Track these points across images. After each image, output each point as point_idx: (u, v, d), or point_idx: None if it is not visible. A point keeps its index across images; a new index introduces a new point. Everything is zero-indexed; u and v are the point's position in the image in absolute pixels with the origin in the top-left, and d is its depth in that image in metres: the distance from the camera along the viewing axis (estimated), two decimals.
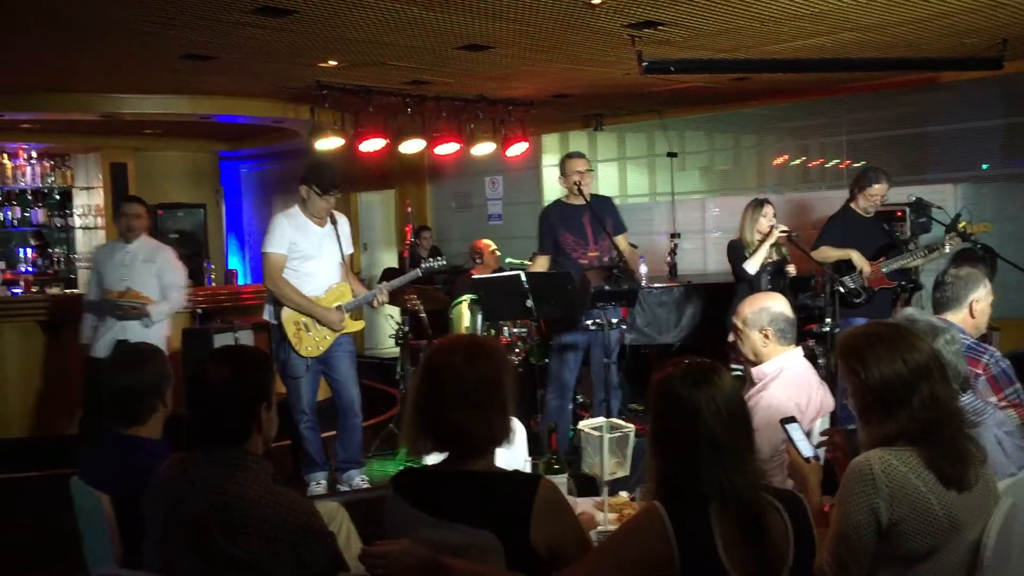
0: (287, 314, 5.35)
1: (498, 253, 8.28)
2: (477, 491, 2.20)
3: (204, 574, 2.31)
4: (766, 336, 3.47)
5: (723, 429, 2.07)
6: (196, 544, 2.31)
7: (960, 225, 6.08)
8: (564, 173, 5.92)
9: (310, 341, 5.39)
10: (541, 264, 5.95)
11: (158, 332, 5.81)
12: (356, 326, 5.64)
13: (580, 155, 6.02)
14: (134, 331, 5.76)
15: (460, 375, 2.22)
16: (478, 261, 8.03)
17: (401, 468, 2.34)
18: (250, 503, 2.30)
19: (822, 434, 2.81)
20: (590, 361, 5.90)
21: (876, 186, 6.15)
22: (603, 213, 5.90)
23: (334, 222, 5.53)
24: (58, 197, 10.50)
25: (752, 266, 6.06)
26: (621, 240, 5.96)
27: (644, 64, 6.00)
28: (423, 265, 5.94)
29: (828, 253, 6.09)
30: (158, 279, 5.95)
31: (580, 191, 5.74)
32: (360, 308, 5.64)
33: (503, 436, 2.27)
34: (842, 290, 5.93)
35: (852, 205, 6.27)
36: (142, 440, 2.95)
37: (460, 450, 2.25)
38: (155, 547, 2.46)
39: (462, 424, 2.21)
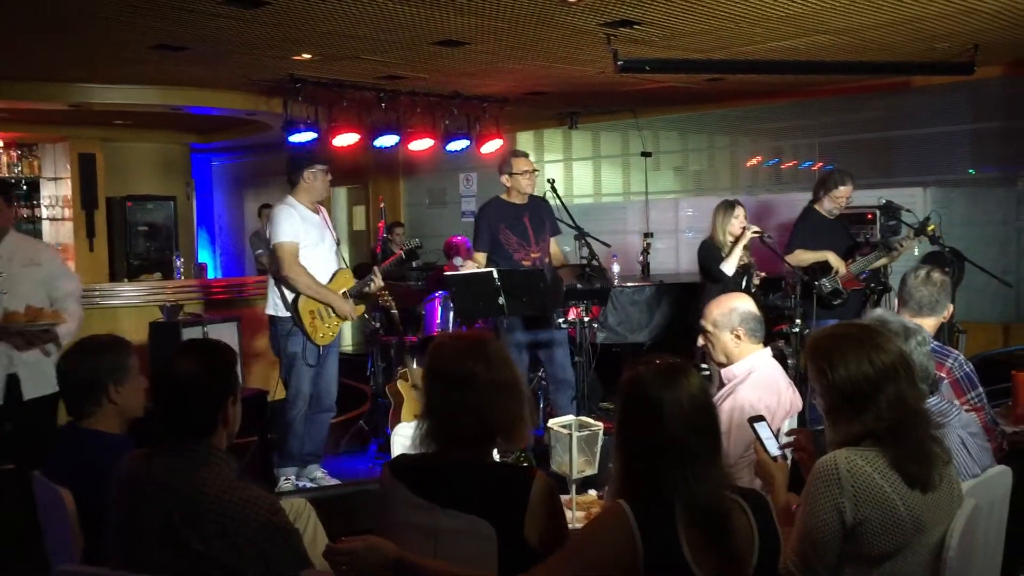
0: (304, 303, 5.36)
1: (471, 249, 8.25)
2: (474, 479, 2.23)
3: (168, 569, 2.28)
4: (737, 336, 3.48)
5: (687, 432, 2.06)
6: (160, 539, 2.29)
7: (929, 228, 6.14)
8: (509, 171, 5.90)
9: (324, 330, 5.43)
10: (479, 261, 5.85)
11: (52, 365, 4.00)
12: (359, 310, 5.68)
13: (525, 154, 6.05)
14: (28, 368, 4.43)
15: (483, 383, 2.25)
16: (456, 261, 8.00)
17: (400, 454, 2.41)
18: (213, 499, 2.28)
19: (788, 433, 2.83)
20: (551, 360, 5.90)
21: (842, 188, 6.20)
22: (543, 214, 5.93)
23: (318, 210, 5.57)
24: (25, 188, 10.34)
25: (729, 267, 6.08)
26: (553, 242, 6.02)
27: (619, 63, 6.00)
28: (405, 247, 5.96)
29: (804, 256, 6.10)
30: (45, 288, 4.56)
31: (522, 191, 5.77)
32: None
33: (507, 434, 2.32)
34: (824, 290, 5.95)
35: (816, 207, 6.29)
36: (100, 434, 2.90)
37: (461, 442, 2.28)
38: (117, 542, 2.43)
39: (486, 428, 2.27)
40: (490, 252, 5.86)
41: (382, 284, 5.75)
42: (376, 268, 5.74)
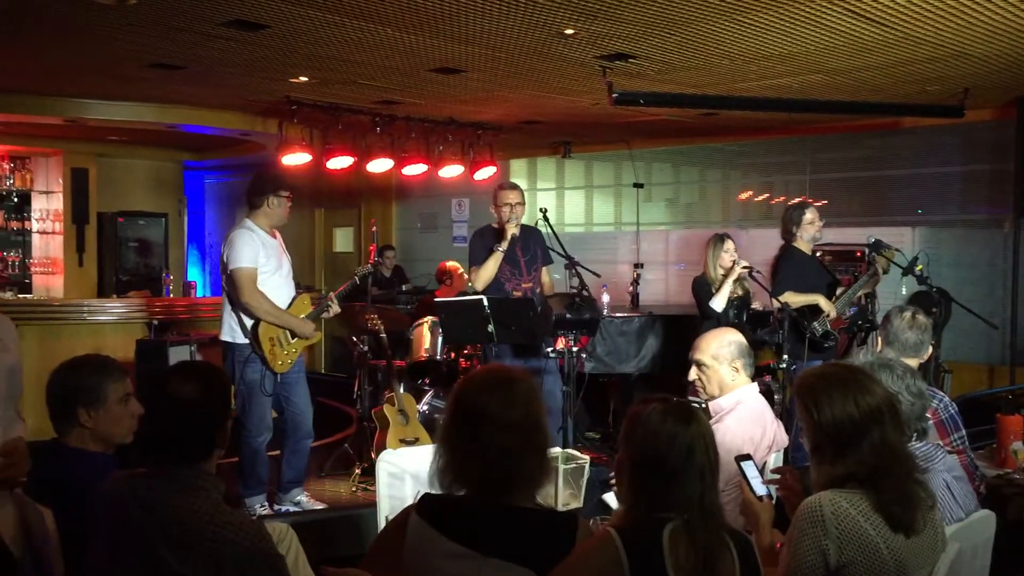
0: (264, 329, 5.26)
1: (465, 276, 8.27)
2: (517, 526, 2.13)
3: None
4: (735, 369, 3.51)
5: (710, 462, 2.13)
6: (142, 562, 2.28)
7: (917, 268, 6.17)
8: (495, 203, 5.94)
9: (282, 356, 5.33)
10: (489, 271, 5.82)
11: None
12: (316, 337, 5.62)
13: (514, 186, 6.07)
14: None
15: (503, 418, 2.15)
16: (447, 283, 8.02)
17: (427, 495, 2.22)
18: (200, 522, 2.27)
19: (773, 471, 2.83)
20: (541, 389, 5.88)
21: (807, 213, 6.19)
22: (533, 243, 5.97)
23: (274, 234, 5.50)
24: (16, 200, 10.31)
25: (718, 303, 6.09)
26: (544, 273, 6.04)
27: (614, 95, 6.04)
28: (357, 272, 5.92)
29: (793, 299, 5.96)
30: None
31: (506, 225, 5.76)
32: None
33: (543, 476, 2.21)
34: (816, 334, 5.95)
35: (795, 244, 6.25)
36: (80, 452, 2.86)
37: (498, 487, 2.17)
38: (99, 563, 2.41)
39: (506, 466, 2.14)
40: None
41: (339, 310, 5.68)
42: (332, 294, 5.69)
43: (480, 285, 5.86)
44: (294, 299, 5.47)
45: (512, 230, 5.80)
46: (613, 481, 2.50)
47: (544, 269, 6.06)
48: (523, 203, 6.00)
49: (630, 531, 2.07)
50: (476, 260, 5.93)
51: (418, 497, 2.27)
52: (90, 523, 2.44)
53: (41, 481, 2.81)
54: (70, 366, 2.92)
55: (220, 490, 2.41)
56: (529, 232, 6.03)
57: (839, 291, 6.24)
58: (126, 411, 2.87)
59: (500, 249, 5.78)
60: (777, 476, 2.76)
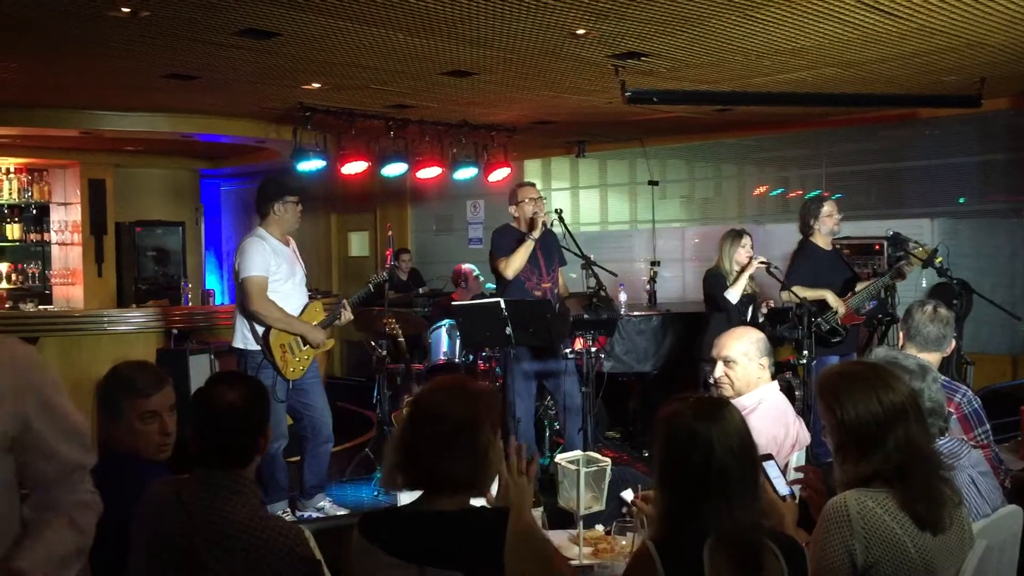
0: (275, 337, 5.28)
1: (481, 279, 8.28)
2: (447, 532, 2.16)
3: None
4: (762, 367, 3.51)
5: (734, 464, 2.06)
6: (183, 565, 2.31)
7: (936, 260, 6.13)
8: (515, 201, 5.94)
9: (294, 363, 5.35)
10: (520, 259, 5.78)
11: None
12: (329, 343, 5.63)
13: (529, 184, 6.14)
14: None
15: (440, 416, 2.20)
16: (462, 286, 8.02)
17: (367, 511, 2.29)
18: (241, 527, 2.31)
19: (796, 470, 2.82)
20: (559, 389, 5.88)
21: (825, 206, 6.18)
22: (552, 246, 5.99)
23: (287, 242, 5.51)
24: (34, 212, 10.40)
25: (734, 295, 6.09)
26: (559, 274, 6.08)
27: (627, 94, 6.03)
28: (371, 279, 5.93)
29: (802, 293, 6.00)
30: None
31: (535, 216, 5.78)
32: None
33: (480, 482, 2.23)
34: (823, 329, 5.93)
35: (812, 239, 6.24)
36: (113, 454, 2.86)
37: (434, 489, 2.22)
38: (139, 564, 2.44)
39: (438, 465, 2.18)
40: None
41: (352, 316, 5.69)
42: (345, 300, 5.71)
43: (511, 273, 5.82)
44: (306, 306, 5.48)
45: (544, 218, 5.80)
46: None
47: (559, 271, 6.09)
48: (543, 198, 6.04)
49: (669, 547, 2.03)
50: (504, 250, 5.86)
51: None
52: (133, 527, 2.46)
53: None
54: (111, 371, 2.94)
55: (258, 495, 2.45)
56: (547, 234, 6.04)
57: (858, 286, 6.20)
58: (149, 429, 2.83)
59: (532, 238, 5.77)
60: (799, 476, 2.74)
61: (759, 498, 2.12)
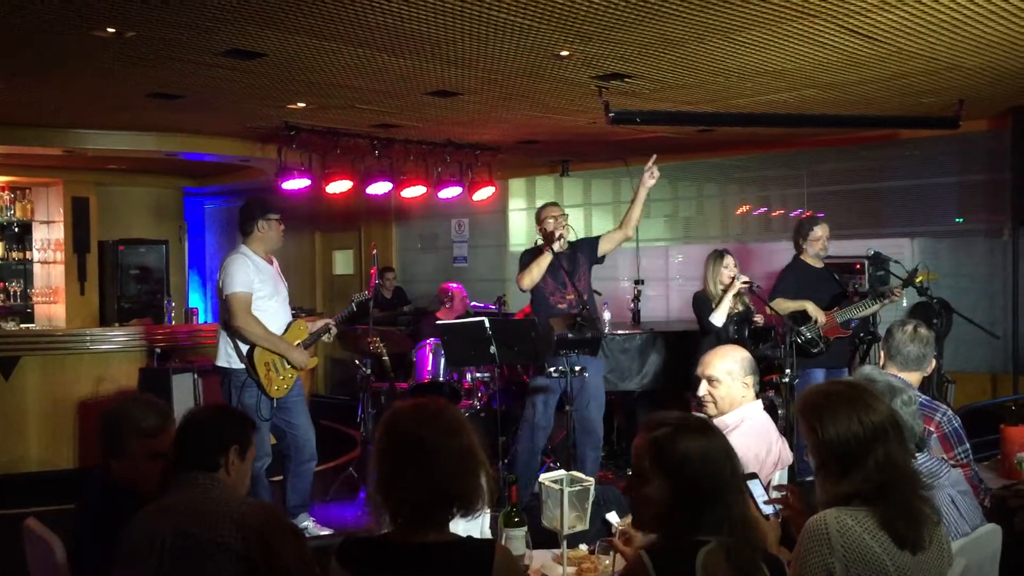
0: (259, 355, 5.28)
1: (467, 299, 8.30)
2: (431, 563, 2.11)
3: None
4: (746, 385, 3.52)
5: (738, 474, 2.14)
6: (175, 551, 2.42)
7: (917, 279, 6.20)
8: (539, 220, 6.03)
9: (279, 381, 5.35)
10: (536, 272, 5.90)
11: None
12: (313, 362, 5.63)
13: (552, 204, 6.24)
14: None
15: (432, 450, 2.13)
16: (447, 304, 8.03)
17: (345, 538, 2.23)
18: (218, 504, 2.50)
19: (775, 489, 2.84)
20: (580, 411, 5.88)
21: (816, 229, 6.38)
22: (576, 253, 6.08)
23: (271, 260, 5.53)
24: (16, 230, 10.35)
25: (718, 318, 6.13)
26: (604, 241, 6.22)
27: (611, 114, 6.08)
28: (354, 298, 5.95)
29: (783, 305, 6.19)
30: None
31: (554, 239, 5.84)
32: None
33: (476, 504, 2.19)
34: (800, 340, 6.01)
35: (802, 257, 6.41)
36: (103, 483, 3.00)
37: (413, 521, 2.15)
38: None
39: (435, 498, 2.13)
40: (533, 292, 6.04)
41: (336, 330, 5.73)
42: (331, 320, 5.73)
43: (525, 284, 5.97)
44: (290, 324, 5.48)
45: (562, 231, 5.89)
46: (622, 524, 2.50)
47: (603, 237, 6.23)
48: (565, 214, 6.12)
49: (663, 554, 2.05)
50: (524, 266, 6.02)
51: None
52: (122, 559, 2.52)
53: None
54: (119, 408, 3.01)
55: (226, 490, 2.62)
56: (573, 249, 6.15)
57: (843, 303, 6.28)
58: (153, 468, 2.85)
59: (549, 250, 5.84)
60: (779, 495, 2.76)
61: (750, 512, 2.17)
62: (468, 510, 2.18)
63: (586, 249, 6.18)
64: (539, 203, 10.70)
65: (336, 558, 2.17)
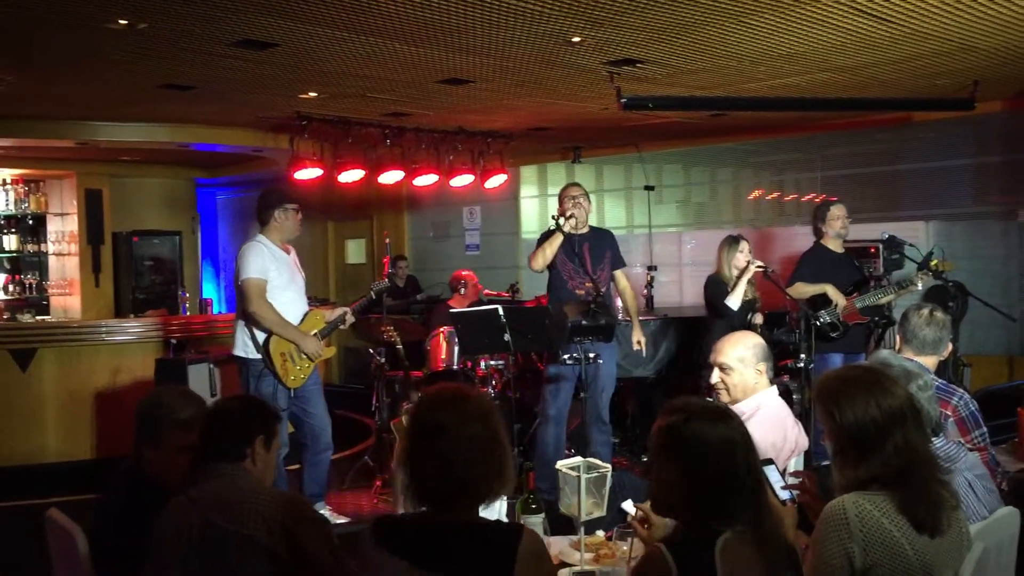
0: (275, 345, 5.29)
1: (480, 286, 8.29)
2: (461, 541, 2.16)
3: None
4: (759, 372, 3.51)
5: (755, 461, 2.16)
6: (202, 543, 2.45)
7: (932, 263, 6.16)
8: (560, 202, 6.02)
9: (295, 372, 5.35)
10: (547, 253, 5.88)
11: None
12: (329, 352, 5.64)
13: (574, 184, 6.21)
14: None
15: (453, 436, 2.15)
16: (460, 292, 8.03)
17: (379, 516, 2.29)
18: (243, 493, 2.53)
19: (792, 475, 2.84)
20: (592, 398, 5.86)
21: (833, 209, 6.35)
22: (603, 245, 6.01)
23: (288, 250, 5.53)
24: (31, 223, 10.40)
25: (734, 301, 6.11)
26: (620, 276, 6.12)
27: (623, 100, 6.06)
28: (373, 287, 5.95)
29: (803, 288, 6.15)
30: None
31: (566, 221, 5.81)
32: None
33: (496, 490, 2.22)
34: (819, 324, 5.98)
35: (822, 242, 6.38)
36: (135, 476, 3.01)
37: (435, 503, 2.20)
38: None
39: (454, 484, 2.16)
40: (550, 276, 6.01)
41: (353, 319, 5.73)
42: (348, 309, 5.73)
43: (536, 265, 5.97)
44: (306, 314, 5.49)
45: (572, 211, 5.86)
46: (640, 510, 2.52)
47: (620, 273, 6.15)
48: (587, 198, 6.09)
49: (681, 545, 2.07)
50: (537, 247, 6.01)
51: None
52: (152, 551, 2.55)
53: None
54: (156, 396, 3.06)
55: (253, 480, 2.63)
56: (601, 234, 6.15)
57: (864, 289, 6.25)
58: (183, 460, 2.82)
59: (560, 230, 5.80)
60: (795, 481, 2.76)
61: (768, 500, 2.18)
62: (489, 497, 2.22)
63: (614, 250, 6.14)
64: (551, 190, 10.83)
65: (372, 535, 2.21)
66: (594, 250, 5.99)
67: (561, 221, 5.82)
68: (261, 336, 5.30)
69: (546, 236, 6.02)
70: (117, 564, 2.64)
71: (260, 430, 2.67)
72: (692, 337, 7.01)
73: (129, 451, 3.02)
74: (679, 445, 2.15)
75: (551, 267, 5.95)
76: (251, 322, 5.31)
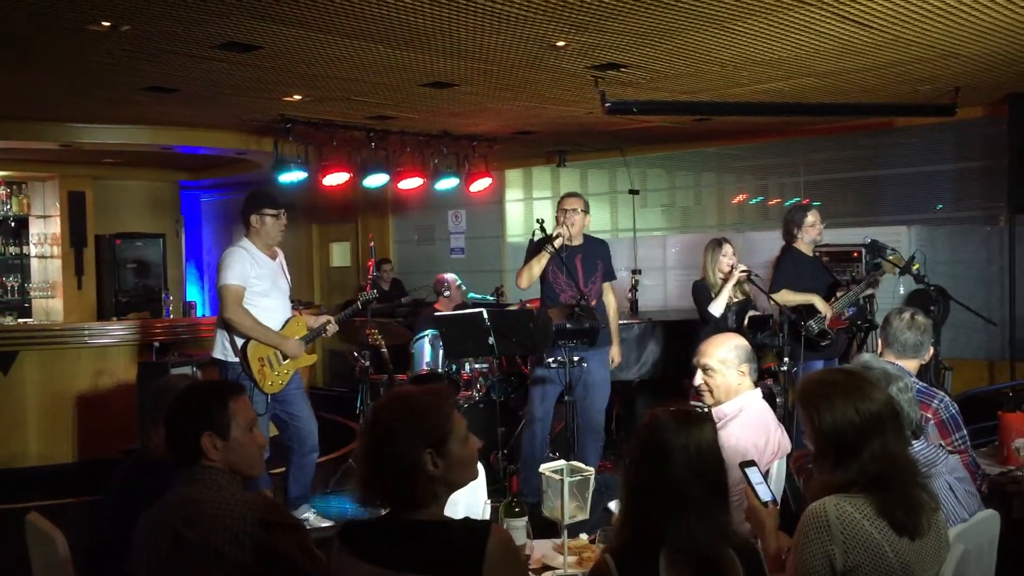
0: (253, 349, 5.27)
1: (463, 288, 8.30)
2: (427, 541, 2.14)
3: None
4: (742, 374, 3.51)
5: (692, 480, 2.10)
6: (169, 557, 2.38)
7: (914, 267, 6.21)
8: (557, 212, 5.97)
9: (273, 377, 5.32)
10: (533, 271, 5.78)
11: None
12: (311, 359, 5.62)
13: (571, 194, 6.05)
14: None
15: (394, 434, 2.15)
16: (444, 295, 8.03)
17: (346, 522, 2.27)
18: (209, 504, 2.42)
19: (798, 457, 2.83)
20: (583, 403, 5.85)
21: (809, 216, 6.30)
22: (596, 255, 5.96)
23: (274, 255, 5.51)
24: (13, 225, 10.33)
25: (717, 308, 6.12)
26: (607, 289, 6.05)
27: (607, 104, 6.07)
28: (361, 297, 5.93)
29: (789, 297, 6.06)
30: None
31: (553, 240, 5.69)
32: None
33: (450, 482, 2.20)
34: (812, 333, 5.98)
35: (795, 245, 6.33)
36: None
37: (405, 502, 2.18)
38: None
39: (402, 481, 2.14)
40: (542, 287, 5.92)
41: (336, 328, 5.71)
42: (331, 317, 5.72)
43: (522, 283, 5.87)
44: (288, 320, 5.47)
45: (560, 231, 5.75)
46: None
47: (607, 286, 6.05)
48: (581, 210, 5.92)
49: (626, 555, 2.07)
50: (525, 262, 5.90)
51: None
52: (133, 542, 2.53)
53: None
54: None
55: (232, 484, 2.52)
56: (594, 244, 6.06)
57: (838, 293, 6.26)
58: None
59: (547, 250, 5.72)
60: (781, 483, 2.77)
61: (725, 514, 2.13)
62: (440, 496, 2.20)
63: (606, 261, 6.07)
64: (536, 194, 10.85)
65: (337, 539, 2.22)
66: (586, 262, 5.92)
67: (557, 243, 5.70)
68: (240, 340, 5.29)
69: (532, 245, 5.99)
70: (116, 550, 2.61)
71: (203, 427, 2.51)
72: (677, 340, 7.03)
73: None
74: (637, 451, 2.17)
75: (542, 279, 5.90)
76: (225, 325, 5.31)
